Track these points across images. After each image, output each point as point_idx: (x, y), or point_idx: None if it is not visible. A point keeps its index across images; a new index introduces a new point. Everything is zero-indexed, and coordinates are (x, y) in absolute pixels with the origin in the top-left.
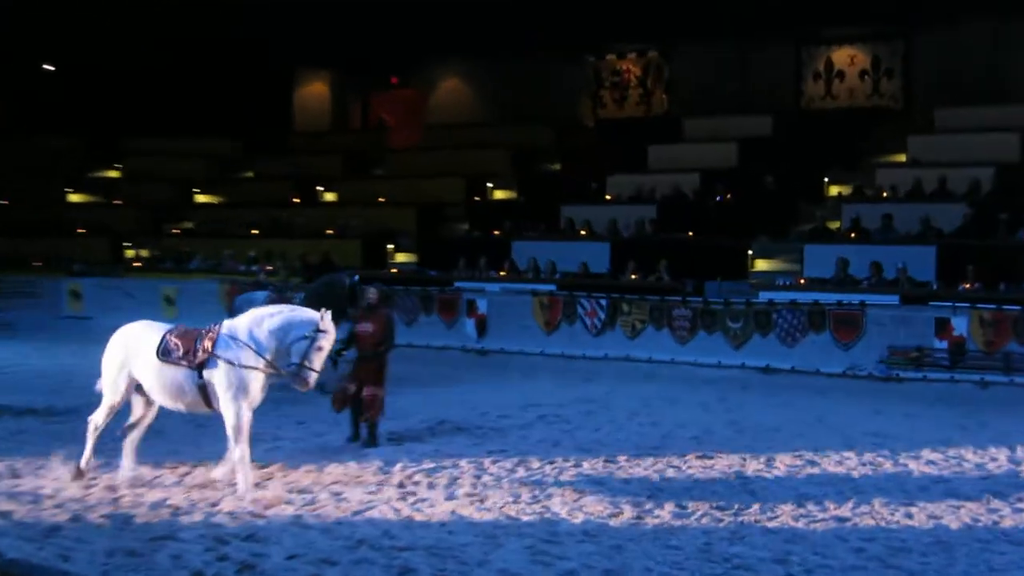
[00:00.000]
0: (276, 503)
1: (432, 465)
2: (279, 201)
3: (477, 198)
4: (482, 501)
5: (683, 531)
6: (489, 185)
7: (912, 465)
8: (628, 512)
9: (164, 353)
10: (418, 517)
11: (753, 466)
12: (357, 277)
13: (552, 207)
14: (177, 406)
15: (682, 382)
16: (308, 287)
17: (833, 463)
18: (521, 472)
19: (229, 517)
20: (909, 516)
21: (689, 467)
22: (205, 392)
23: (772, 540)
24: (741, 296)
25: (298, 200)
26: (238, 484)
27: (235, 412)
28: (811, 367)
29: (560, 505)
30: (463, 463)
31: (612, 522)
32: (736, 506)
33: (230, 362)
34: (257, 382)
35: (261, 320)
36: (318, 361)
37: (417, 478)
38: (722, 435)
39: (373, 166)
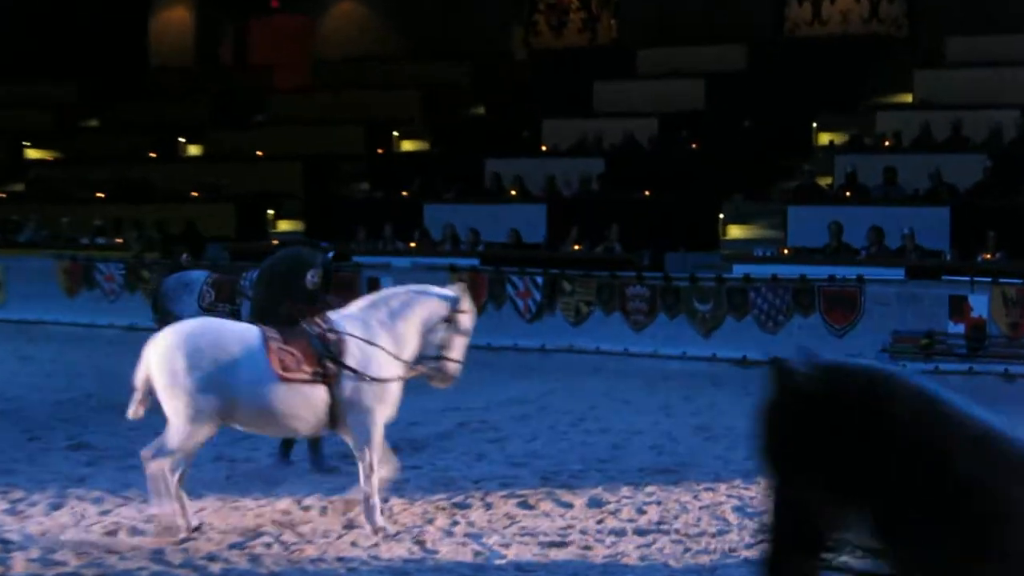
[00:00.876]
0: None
1: (328, 485)
2: (131, 156)
3: (380, 150)
4: (391, 531)
5: (643, 568)
6: (395, 134)
7: None
8: (574, 542)
9: (282, 367)
10: (310, 551)
11: (728, 484)
12: (332, 254)
13: (474, 161)
14: (284, 432)
15: (638, 378)
16: (263, 266)
17: None
18: (439, 494)
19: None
20: None
21: (648, 485)
22: (334, 412)
23: None
24: (710, 271)
25: (155, 155)
26: (367, 515)
27: (371, 432)
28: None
29: (488, 534)
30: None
31: (553, 554)
32: (708, 536)
33: (365, 373)
34: (398, 390)
35: (385, 309)
36: (460, 349)
37: (308, 502)
38: (688, 444)
39: (249, 112)
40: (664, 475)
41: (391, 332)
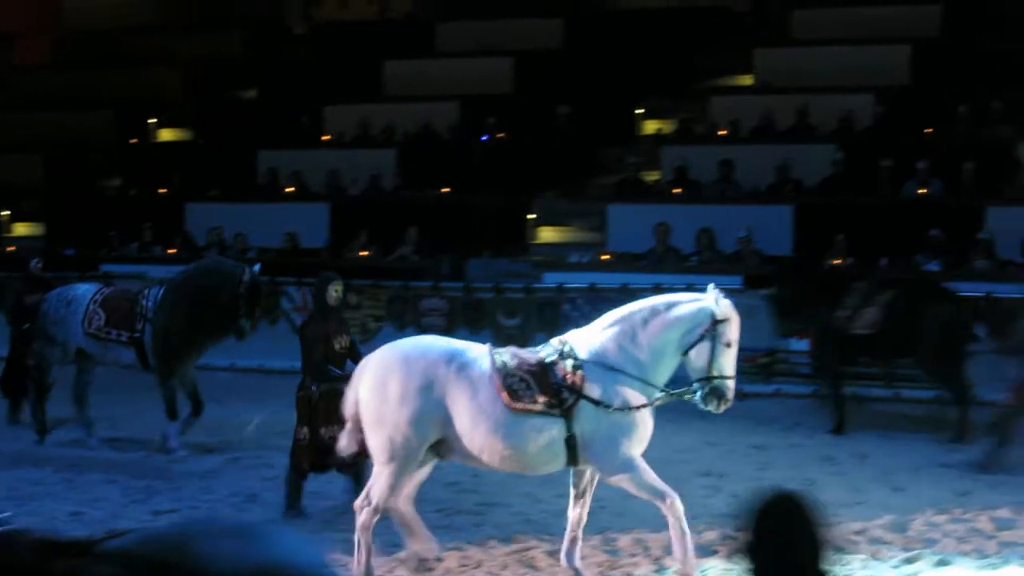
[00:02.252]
0: None
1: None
2: None
3: (134, 140)
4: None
5: None
6: (152, 120)
7: None
8: None
9: (512, 396)
10: None
11: (538, 544)
12: (258, 267)
13: (245, 152)
14: (513, 469)
15: None
16: (175, 280)
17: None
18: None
19: None
20: None
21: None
22: (573, 447)
23: None
24: (518, 280)
25: None
26: (680, 559)
27: (629, 469)
28: None
29: None
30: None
31: None
32: None
33: (609, 403)
34: (649, 420)
35: (628, 327)
36: (730, 363)
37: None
38: (493, 483)
39: None
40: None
41: (639, 353)
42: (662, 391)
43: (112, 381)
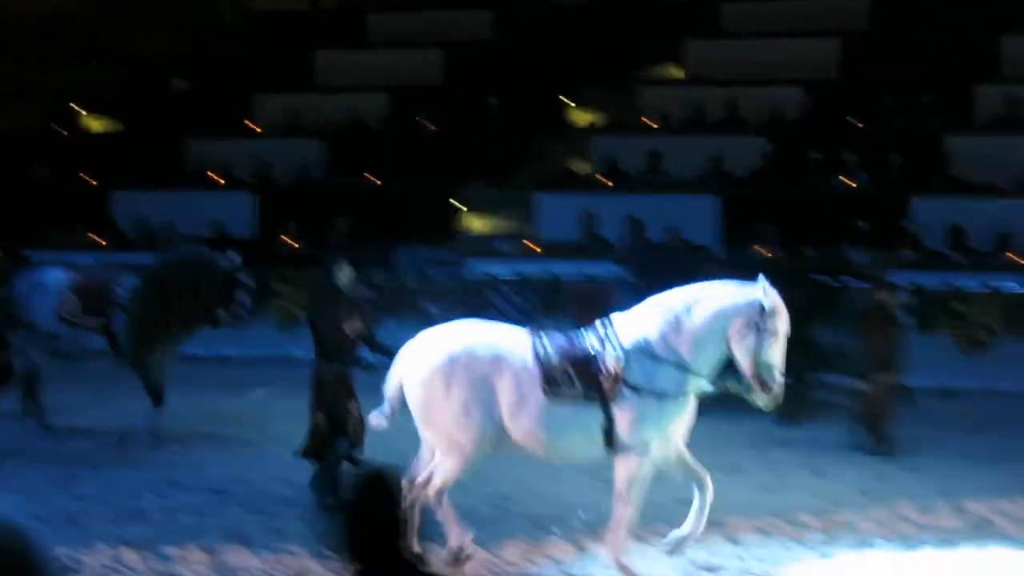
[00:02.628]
0: None
1: None
2: None
3: (63, 129)
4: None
5: None
6: (80, 111)
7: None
8: None
9: (551, 383)
10: None
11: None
12: (239, 259)
13: (173, 143)
14: (557, 457)
15: (366, 392)
16: (151, 269)
17: None
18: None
19: None
20: None
21: None
22: (610, 436)
23: None
24: (446, 268)
25: None
26: (611, 547)
27: (639, 466)
28: None
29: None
30: None
31: None
32: None
33: (650, 390)
34: (687, 412)
35: (672, 314)
36: (778, 354)
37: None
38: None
39: None
40: None
41: (681, 342)
42: (706, 381)
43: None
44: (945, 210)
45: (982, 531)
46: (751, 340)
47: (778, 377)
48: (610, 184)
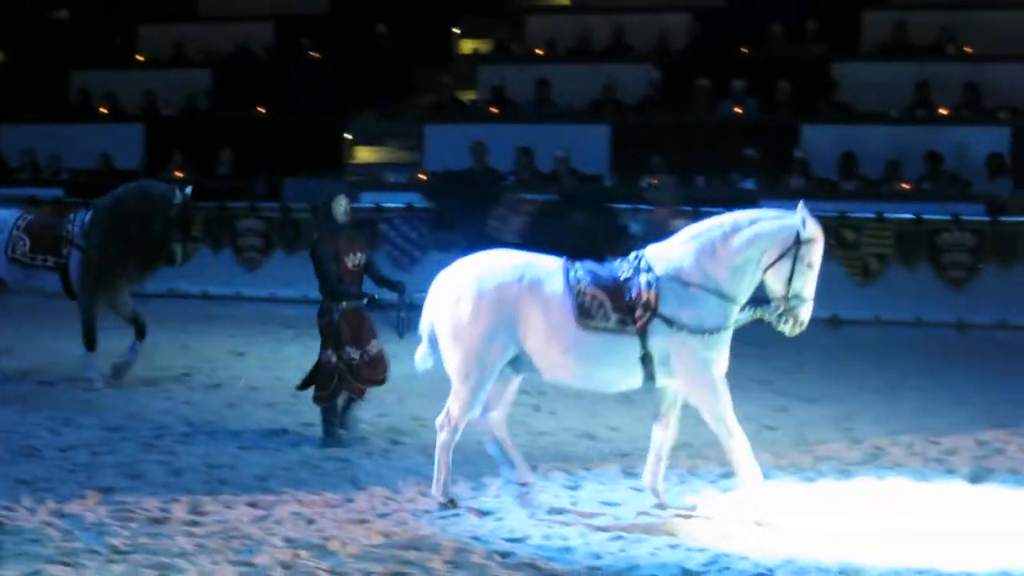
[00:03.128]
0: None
1: None
2: None
3: None
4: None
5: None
6: None
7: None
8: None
9: (583, 313)
10: None
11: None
12: (190, 189)
13: (58, 74)
14: (592, 385)
15: (256, 325)
16: (101, 201)
17: None
18: None
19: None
20: None
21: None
22: (649, 364)
23: None
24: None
25: None
26: (746, 489)
27: (711, 391)
28: None
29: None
30: None
31: None
32: None
33: (685, 322)
34: (728, 338)
35: (708, 242)
36: (810, 285)
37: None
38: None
39: None
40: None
41: (718, 270)
42: (752, 310)
43: None
44: (834, 138)
45: (879, 461)
46: (786, 268)
47: (808, 307)
48: (498, 113)
